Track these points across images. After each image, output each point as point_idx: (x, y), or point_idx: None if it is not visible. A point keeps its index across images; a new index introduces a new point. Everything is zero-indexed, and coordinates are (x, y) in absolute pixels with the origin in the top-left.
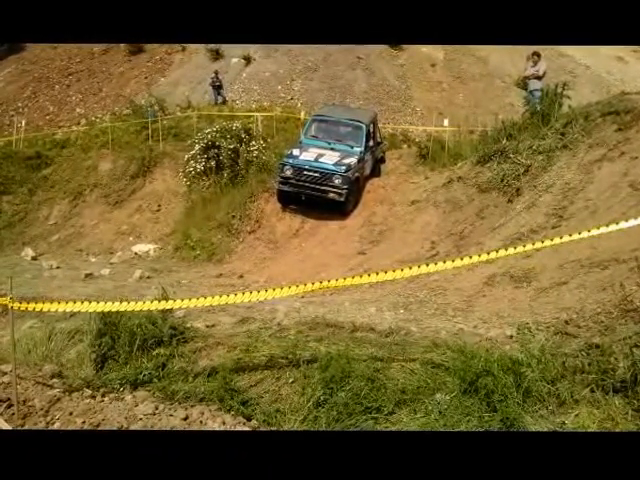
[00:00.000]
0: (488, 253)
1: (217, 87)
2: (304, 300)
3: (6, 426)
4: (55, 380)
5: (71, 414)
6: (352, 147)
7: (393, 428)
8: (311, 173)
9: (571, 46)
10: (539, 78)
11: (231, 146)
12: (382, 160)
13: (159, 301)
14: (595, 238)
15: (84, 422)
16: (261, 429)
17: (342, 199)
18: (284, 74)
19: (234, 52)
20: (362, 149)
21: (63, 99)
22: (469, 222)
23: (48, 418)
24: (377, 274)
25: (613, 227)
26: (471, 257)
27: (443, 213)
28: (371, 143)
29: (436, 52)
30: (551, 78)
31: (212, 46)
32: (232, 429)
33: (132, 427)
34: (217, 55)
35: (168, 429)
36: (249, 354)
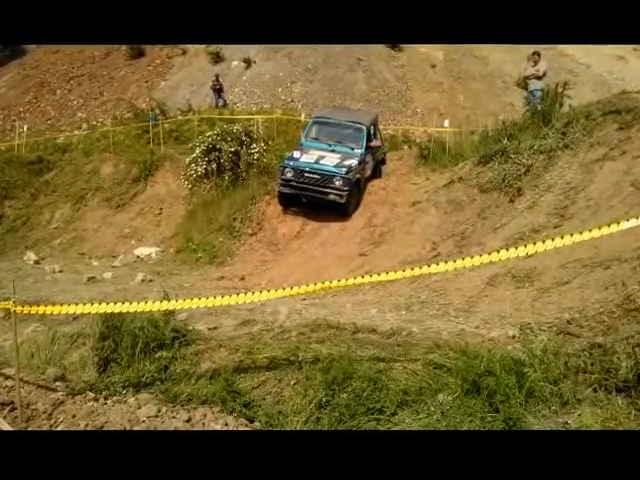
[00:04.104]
0: (489, 254)
1: (218, 90)
2: (306, 302)
3: (9, 429)
4: (58, 383)
5: (74, 417)
6: (353, 149)
7: (395, 429)
8: (312, 175)
9: (571, 45)
10: (539, 78)
11: (232, 149)
12: (383, 161)
13: (161, 302)
14: (597, 237)
15: (87, 425)
16: (263, 429)
17: (343, 201)
18: (284, 76)
19: (234, 55)
20: (363, 151)
21: (64, 103)
22: (470, 222)
23: (51, 421)
24: (378, 275)
25: (614, 227)
26: (472, 257)
27: (444, 214)
28: (373, 143)
29: (436, 53)
30: (552, 78)
31: (212, 49)
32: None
33: (135, 430)
34: (217, 58)
35: (171, 429)
36: (251, 356)
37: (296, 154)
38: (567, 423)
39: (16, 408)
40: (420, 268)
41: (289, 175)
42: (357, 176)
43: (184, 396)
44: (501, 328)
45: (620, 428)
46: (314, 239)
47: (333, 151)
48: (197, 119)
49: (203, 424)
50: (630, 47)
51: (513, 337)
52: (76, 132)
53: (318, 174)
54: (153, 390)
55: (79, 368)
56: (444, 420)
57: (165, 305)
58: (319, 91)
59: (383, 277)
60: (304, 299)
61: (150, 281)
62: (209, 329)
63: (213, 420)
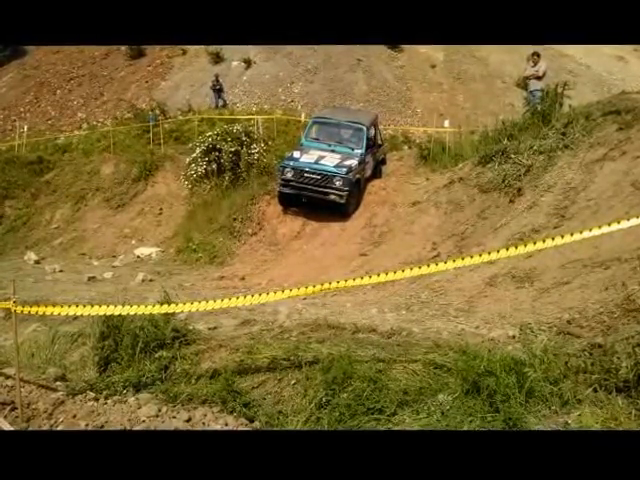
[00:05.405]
0: (489, 253)
1: (218, 90)
2: (306, 302)
3: (10, 429)
4: (58, 383)
5: (74, 417)
6: (353, 149)
7: (395, 429)
8: (312, 175)
9: (571, 46)
10: (539, 78)
11: (232, 149)
12: (383, 161)
13: (161, 304)
14: (597, 238)
15: (87, 425)
16: (263, 429)
17: (343, 201)
18: (284, 77)
19: (234, 55)
20: (363, 151)
21: (65, 104)
22: (470, 223)
23: (52, 421)
24: (378, 275)
25: (615, 226)
26: (472, 257)
27: (444, 214)
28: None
29: (436, 53)
30: (551, 78)
31: (212, 49)
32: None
33: (135, 429)
34: (218, 58)
35: (171, 429)
36: (251, 356)
37: (296, 154)
38: (567, 423)
39: (17, 408)
40: (420, 268)
41: (289, 175)
42: (357, 176)
43: (184, 396)
44: (501, 328)
45: (620, 428)
46: (314, 239)
47: (333, 151)
48: (197, 119)
49: (203, 424)
50: (630, 47)
51: (513, 337)
52: (76, 132)
53: (318, 174)
54: (153, 390)
55: (79, 368)
56: (444, 420)
57: (165, 308)
58: (319, 91)
59: (383, 277)
60: (304, 299)
61: (150, 281)
62: (209, 329)
63: (213, 420)
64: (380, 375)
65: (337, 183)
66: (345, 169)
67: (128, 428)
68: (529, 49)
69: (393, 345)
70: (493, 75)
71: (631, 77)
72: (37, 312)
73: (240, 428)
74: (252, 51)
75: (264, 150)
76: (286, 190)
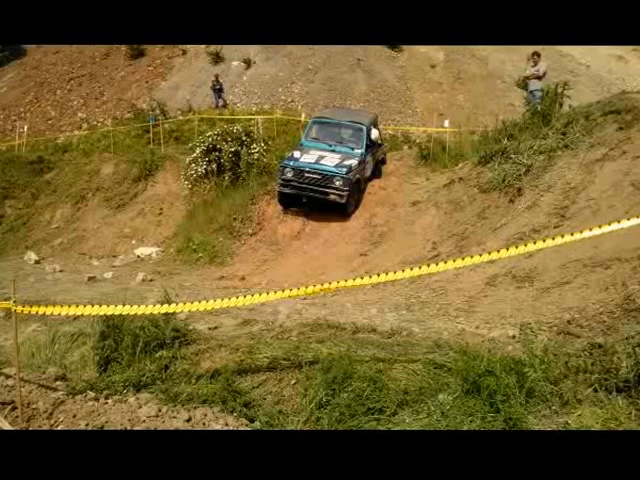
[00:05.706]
0: (489, 253)
1: (218, 90)
2: (306, 302)
3: (10, 429)
4: (59, 383)
5: (74, 416)
6: (353, 149)
7: (396, 429)
8: (312, 175)
9: (571, 46)
10: (539, 78)
11: (232, 149)
12: (383, 161)
13: (161, 304)
14: (597, 238)
15: (87, 424)
16: (263, 429)
17: (343, 201)
18: (284, 77)
19: (234, 55)
20: (363, 151)
21: (65, 104)
22: (470, 223)
23: (52, 420)
24: (378, 275)
25: (615, 226)
26: (472, 257)
27: (444, 214)
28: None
29: (436, 53)
30: (552, 78)
31: (212, 49)
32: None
33: (135, 429)
34: (218, 58)
35: (171, 429)
36: (251, 356)
37: (296, 154)
38: (567, 423)
39: (17, 408)
40: (420, 268)
41: (289, 175)
42: (357, 176)
43: (184, 396)
44: (501, 328)
45: (620, 428)
46: (314, 239)
47: (333, 151)
48: (197, 119)
49: (203, 424)
50: (630, 47)
51: (513, 337)
52: (76, 132)
53: (318, 174)
54: (153, 390)
55: (80, 367)
56: (444, 420)
57: (165, 308)
58: (319, 91)
59: (383, 277)
60: (304, 299)
61: (151, 281)
62: (209, 329)
63: (213, 420)
64: (380, 375)
65: (337, 183)
66: (345, 169)
67: (128, 428)
68: (529, 49)
69: (393, 345)
70: (493, 75)
71: (631, 77)
72: (37, 312)
73: (240, 428)
74: (252, 51)
75: (264, 150)
76: (286, 190)
